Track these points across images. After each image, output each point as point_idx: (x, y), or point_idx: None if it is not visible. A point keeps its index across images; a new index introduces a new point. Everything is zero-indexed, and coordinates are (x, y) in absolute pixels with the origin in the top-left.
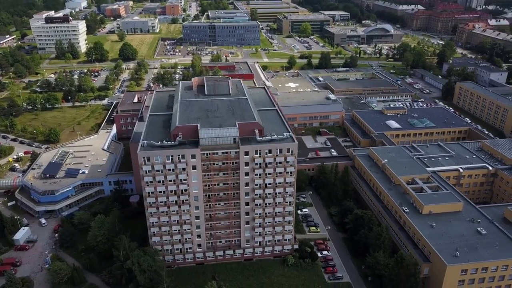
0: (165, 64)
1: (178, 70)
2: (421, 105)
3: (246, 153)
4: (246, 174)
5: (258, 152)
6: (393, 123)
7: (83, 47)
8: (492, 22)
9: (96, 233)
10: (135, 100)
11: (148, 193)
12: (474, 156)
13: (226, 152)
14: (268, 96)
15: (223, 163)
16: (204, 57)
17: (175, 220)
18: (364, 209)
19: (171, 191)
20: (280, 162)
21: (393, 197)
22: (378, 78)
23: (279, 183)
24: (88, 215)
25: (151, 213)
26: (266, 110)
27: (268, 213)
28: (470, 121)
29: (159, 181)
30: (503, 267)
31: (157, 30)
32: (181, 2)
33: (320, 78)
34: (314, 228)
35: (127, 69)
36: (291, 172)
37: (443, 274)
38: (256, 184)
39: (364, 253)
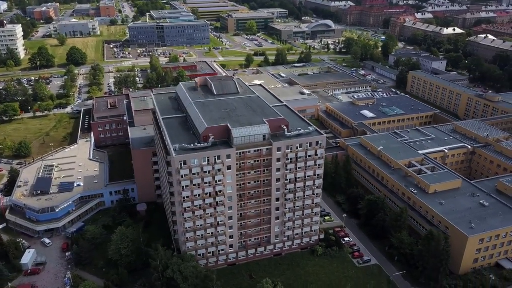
0: (121, 67)
1: (136, 73)
2: (381, 94)
3: (278, 149)
4: (278, 170)
5: (290, 147)
6: (367, 113)
7: (21, 53)
8: (419, 15)
9: (119, 245)
10: (109, 105)
11: (184, 197)
12: (451, 137)
13: (259, 150)
14: (270, 93)
15: (255, 161)
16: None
17: (209, 223)
18: (367, 194)
19: (207, 193)
20: (309, 155)
21: (397, 180)
22: (334, 71)
23: (309, 176)
24: (99, 229)
25: (185, 218)
26: (278, 106)
27: (297, 206)
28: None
29: (195, 184)
30: (511, 232)
31: (98, 33)
32: (111, 2)
33: (282, 74)
34: (328, 217)
35: (80, 74)
36: (319, 165)
37: (464, 245)
38: (287, 179)
39: (382, 235)
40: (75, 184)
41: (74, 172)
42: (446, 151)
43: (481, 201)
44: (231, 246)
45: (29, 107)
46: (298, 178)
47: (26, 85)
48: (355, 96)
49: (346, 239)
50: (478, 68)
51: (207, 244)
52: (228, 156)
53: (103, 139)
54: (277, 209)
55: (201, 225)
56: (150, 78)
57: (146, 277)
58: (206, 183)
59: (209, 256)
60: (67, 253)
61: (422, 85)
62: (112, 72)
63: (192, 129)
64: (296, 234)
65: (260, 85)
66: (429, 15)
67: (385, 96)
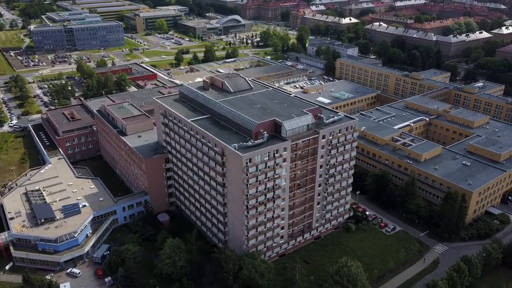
0: (45, 76)
1: (63, 81)
2: (319, 82)
3: (323, 137)
4: (321, 156)
5: (332, 133)
6: (324, 99)
7: None
8: (314, 8)
9: (174, 258)
10: (70, 118)
11: (247, 195)
12: (408, 113)
13: (307, 140)
14: (271, 87)
15: (302, 151)
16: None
17: (268, 217)
18: (361, 172)
19: (267, 188)
20: (347, 140)
21: (391, 154)
22: (264, 64)
23: (346, 158)
24: (138, 246)
25: (247, 216)
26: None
27: (336, 189)
28: None
29: (257, 181)
30: (496, 183)
31: None
32: None
33: (221, 70)
34: None
35: None
36: (353, 147)
37: (469, 200)
38: (329, 165)
39: (393, 205)
40: (80, 206)
41: (69, 193)
42: (412, 125)
43: (464, 162)
44: (282, 237)
45: None
46: (337, 162)
47: None
48: (296, 86)
49: (367, 213)
50: (386, 53)
51: (265, 239)
52: (285, 149)
53: (72, 155)
54: (318, 194)
55: (261, 221)
56: (90, 85)
57: (210, 284)
58: (267, 178)
59: (265, 251)
60: (106, 279)
61: (351, 70)
62: (34, 82)
63: (232, 127)
64: (332, 215)
65: (252, 79)
66: (322, 7)
67: (323, 83)
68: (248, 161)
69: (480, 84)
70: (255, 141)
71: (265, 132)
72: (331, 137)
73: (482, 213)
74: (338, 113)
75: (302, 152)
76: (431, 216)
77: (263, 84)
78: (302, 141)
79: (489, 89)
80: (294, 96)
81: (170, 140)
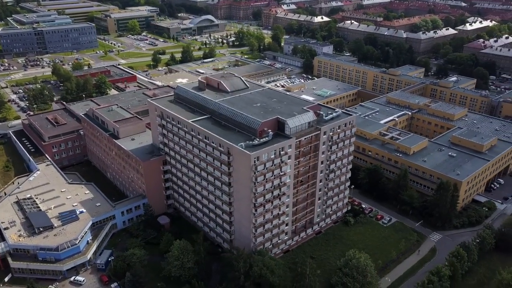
0: (18, 81)
1: (40, 85)
2: (299, 80)
3: (324, 133)
4: (323, 153)
5: (332, 129)
6: (308, 97)
7: None
8: (285, 7)
9: (183, 260)
10: (55, 123)
11: (254, 193)
12: (390, 108)
13: (310, 136)
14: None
15: (305, 148)
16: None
17: (274, 215)
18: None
19: (274, 186)
20: (346, 135)
21: (380, 148)
22: (242, 63)
23: (345, 154)
24: (143, 250)
25: (255, 213)
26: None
27: (335, 183)
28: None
29: (264, 179)
30: (481, 172)
31: None
32: None
33: (201, 70)
34: None
35: None
36: (352, 142)
37: (459, 189)
38: (329, 160)
39: (386, 198)
40: (78, 212)
41: (63, 200)
42: (396, 119)
43: (450, 153)
44: (286, 233)
45: None
46: (337, 157)
47: None
48: (277, 85)
49: (363, 206)
50: (360, 50)
51: (271, 236)
52: (290, 147)
53: (59, 160)
54: (319, 190)
55: (268, 218)
56: (69, 89)
57: (220, 284)
58: (273, 176)
59: (271, 247)
60: (112, 285)
61: (329, 67)
62: (7, 87)
63: (235, 127)
64: (332, 210)
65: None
66: (293, 6)
67: (303, 81)
68: (256, 159)
69: (454, 78)
70: (261, 140)
71: (270, 130)
72: (331, 133)
73: (469, 201)
74: (336, 110)
75: (304, 149)
76: (424, 207)
77: (258, 83)
78: (305, 138)
79: (462, 83)
80: (291, 94)
81: (168, 142)
